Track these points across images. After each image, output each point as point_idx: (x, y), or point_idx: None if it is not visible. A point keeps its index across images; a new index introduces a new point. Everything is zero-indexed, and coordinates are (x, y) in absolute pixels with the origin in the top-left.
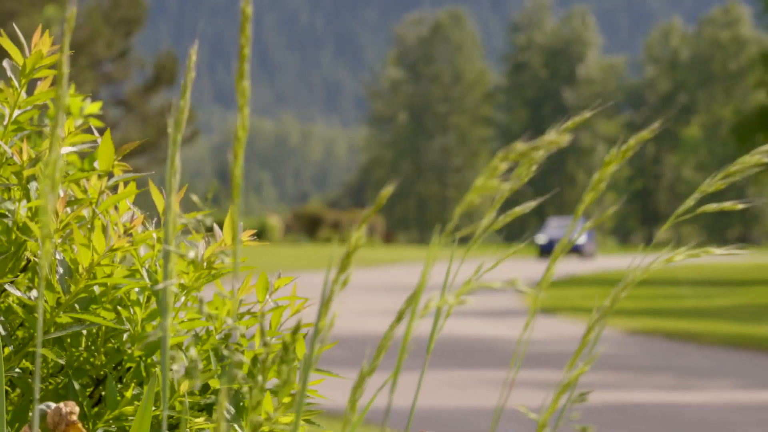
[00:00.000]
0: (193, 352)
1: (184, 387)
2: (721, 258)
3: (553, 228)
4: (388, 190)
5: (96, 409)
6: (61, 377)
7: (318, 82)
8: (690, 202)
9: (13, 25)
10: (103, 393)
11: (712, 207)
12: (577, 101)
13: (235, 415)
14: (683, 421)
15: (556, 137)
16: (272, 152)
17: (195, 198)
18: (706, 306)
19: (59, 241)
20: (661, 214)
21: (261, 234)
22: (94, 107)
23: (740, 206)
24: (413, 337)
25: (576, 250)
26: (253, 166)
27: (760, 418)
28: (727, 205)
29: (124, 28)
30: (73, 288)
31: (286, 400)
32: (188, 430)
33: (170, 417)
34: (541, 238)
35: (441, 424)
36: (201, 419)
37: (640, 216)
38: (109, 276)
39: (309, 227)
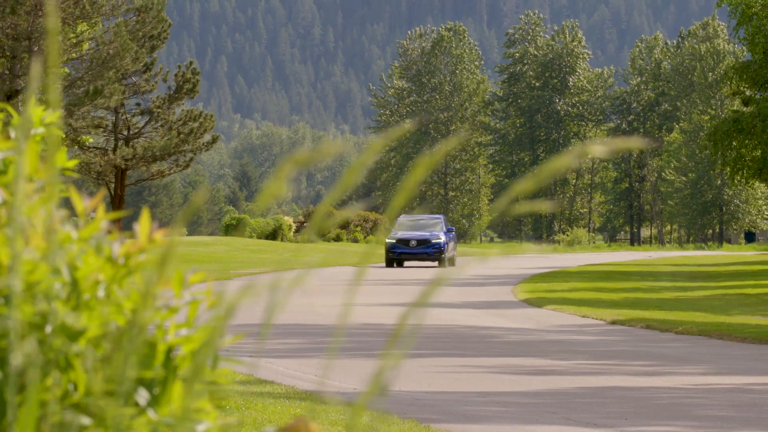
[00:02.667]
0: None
1: (99, 375)
2: (698, 252)
3: (406, 228)
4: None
5: (19, 397)
6: None
7: (330, 92)
8: (504, 202)
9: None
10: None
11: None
12: (567, 109)
13: (150, 402)
14: (656, 403)
15: (332, 146)
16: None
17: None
18: (682, 297)
19: None
20: (646, 213)
21: (276, 232)
22: (53, 116)
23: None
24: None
25: (431, 253)
26: (270, 170)
27: (727, 400)
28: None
29: (149, 44)
30: None
31: (197, 387)
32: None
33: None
34: (391, 240)
35: (429, 406)
36: (114, 406)
37: (626, 215)
38: (31, 272)
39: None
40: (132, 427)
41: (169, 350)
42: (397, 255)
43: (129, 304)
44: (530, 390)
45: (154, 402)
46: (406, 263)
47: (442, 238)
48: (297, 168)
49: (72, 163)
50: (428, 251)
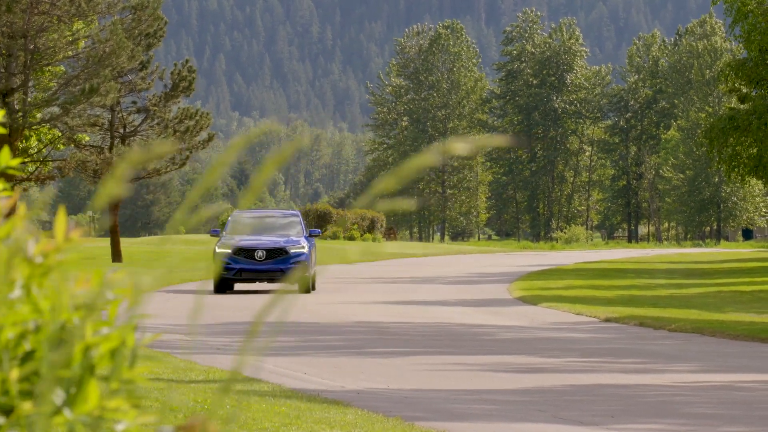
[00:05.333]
0: None
1: (15, 374)
2: (695, 250)
3: (247, 230)
4: None
5: None
6: None
7: (328, 90)
8: (366, 199)
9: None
10: None
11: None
12: (565, 106)
13: (66, 401)
14: (644, 401)
15: (164, 147)
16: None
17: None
18: (677, 294)
19: None
20: (643, 211)
21: None
22: None
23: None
24: (408, 324)
25: (289, 270)
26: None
27: (716, 397)
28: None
29: (145, 42)
30: None
31: (115, 386)
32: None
33: (2, 403)
34: (225, 249)
35: (416, 404)
36: (29, 405)
37: (623, 212)
38: None
39: (317, 224)
40: (49, 426)
41: (87, 349)
42: (235, 273)
43: (47, 303)
44: (519, 388)
45: (70, 401)
46: (243, 285)
47: (305, 247)
48: (131, 168)
49: (16, 162)
50: (284, 267)
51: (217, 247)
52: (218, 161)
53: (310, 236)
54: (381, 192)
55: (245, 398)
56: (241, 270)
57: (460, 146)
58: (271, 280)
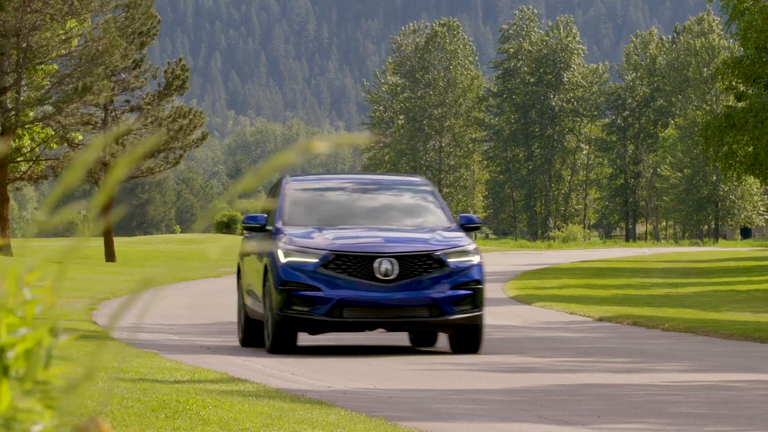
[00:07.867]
0: None
1: None
2: (692, 248)
3: (335, 217)
4: None
5: None
6: None
7: (324, 88)
8: (227, 197)
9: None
10: None
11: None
12: (562, 105)
13: None
14: (631, 400)
15: (1, 147)
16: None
17: None
18: (673, 294)
19: None
20: (641, 209)
21: None
22: None
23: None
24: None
25: (452, 308)
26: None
27: (704, 397)
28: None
29: (138, 40)
30: None
31: (28, 386)
32: None
33: None
34: (307, 257)
35: (401, 404)
36: None
37: (621, 211)
38: None
39: None
40: None
41: (1, 351)
42: (330, 310)
43: None
44: (506, 387)
45: None
46: (335, 336)
47: (475, 255)
48: None
49: None
50: (440, 298)
51: (281, 252)
52: (79, 160)
53: (466, 226)
54: (242, 191)
55: (227, 398)
56: (343, 303)
57: (320, 144)
58: (404, 326)
